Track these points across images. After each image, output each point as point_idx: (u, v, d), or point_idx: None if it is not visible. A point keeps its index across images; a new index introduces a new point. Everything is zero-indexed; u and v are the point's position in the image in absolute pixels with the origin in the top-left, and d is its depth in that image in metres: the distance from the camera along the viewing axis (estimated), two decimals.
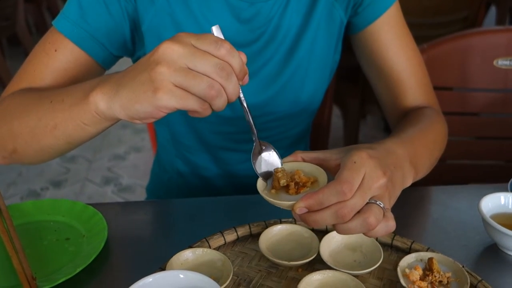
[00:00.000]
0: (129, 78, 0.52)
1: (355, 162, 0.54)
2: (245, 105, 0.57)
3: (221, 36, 0.53)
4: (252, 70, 0.80)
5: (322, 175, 0.58)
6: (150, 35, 0.77)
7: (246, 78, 0.54)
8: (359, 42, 0.86)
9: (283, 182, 0.57)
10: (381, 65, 0.85)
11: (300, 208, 0.53)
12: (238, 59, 0.51)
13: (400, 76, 0.84)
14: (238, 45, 0.78)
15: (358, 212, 0.53)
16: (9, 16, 3.21)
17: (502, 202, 0.72)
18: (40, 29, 4.16)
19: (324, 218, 0.52)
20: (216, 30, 0.53)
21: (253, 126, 0.58)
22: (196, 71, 0.49)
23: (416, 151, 0.68)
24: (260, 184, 0.59)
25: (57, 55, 0.73)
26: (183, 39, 0.50)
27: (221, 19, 0.76)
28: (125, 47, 0.80)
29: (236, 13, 0.77)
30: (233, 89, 0.51)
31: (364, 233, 0.54)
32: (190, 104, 0.50)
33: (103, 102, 0.55)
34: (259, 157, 0.60)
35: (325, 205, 0.52)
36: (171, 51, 0.49)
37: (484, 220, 0.68)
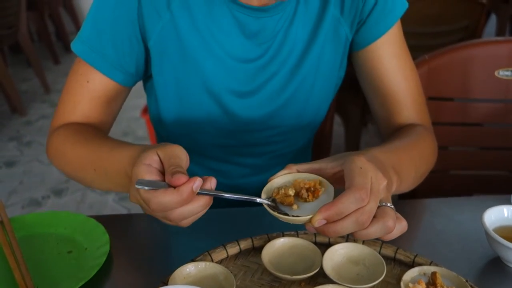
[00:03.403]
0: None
1: (361, 168, 0.55)
2: (228, 195, 0.59)
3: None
4: (257, 84, 0.81)
5: (321, 179, 0.59)
6: (155, 50, 0.77)
7: (211, 183, 0.59)
8: (359, 59, 0.86)
9: (292, 193, 0.58)
10: (379, 83, 0.85)
11: (319, 220, 0.53)
12: (169, 204, 0.53)
13: (397, 96, 0.85)
14: (244, 60, 0.79)
15: (375, 216, 0.54)
16: (11, 24, 3.22)
17: (505, 215, 0.72)
18: (42, 37, 4.17)
19: (345, 227, 0.53)
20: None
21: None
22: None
23: (400, 161, 0.69)
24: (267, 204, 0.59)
25: (89, 85, 0.79)
26: (136, 194, 0.57)
27: (226, 33, 0.76)
28: (141, 68, 0.82)
29: (242, 28, 0.76)
30: (189, 213, 0.55)
31: (380, 237, 0.55)
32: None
33: None
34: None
35: (345, 214, 0.53)
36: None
37: (487, 233, 0.68)
